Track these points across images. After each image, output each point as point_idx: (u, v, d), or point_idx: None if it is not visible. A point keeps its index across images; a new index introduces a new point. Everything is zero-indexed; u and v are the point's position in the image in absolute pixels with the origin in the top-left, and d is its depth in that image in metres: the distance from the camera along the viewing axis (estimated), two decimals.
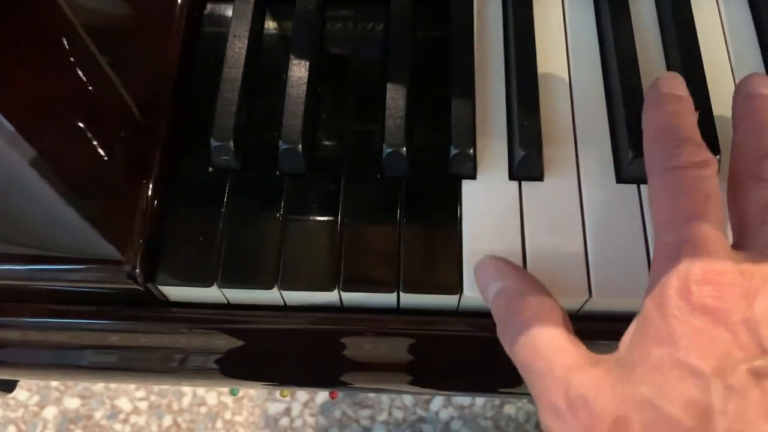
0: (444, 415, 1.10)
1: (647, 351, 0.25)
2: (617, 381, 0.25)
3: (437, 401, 1.11)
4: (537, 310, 0.28)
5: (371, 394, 1.11)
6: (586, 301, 0.32)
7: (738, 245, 0.28)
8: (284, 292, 0.33)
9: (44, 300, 0.34)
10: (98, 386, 1.12)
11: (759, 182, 0.28)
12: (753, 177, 0.28)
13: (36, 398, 1.12)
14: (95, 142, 0.35)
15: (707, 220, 0.26)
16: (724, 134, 0.34)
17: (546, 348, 0.27)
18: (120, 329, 0.35)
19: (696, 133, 0.29)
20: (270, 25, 0.39)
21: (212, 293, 0.33)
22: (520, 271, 0.31)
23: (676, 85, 0.31)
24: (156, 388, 1.12)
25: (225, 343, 0.35)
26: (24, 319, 0.34)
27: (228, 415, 1.10)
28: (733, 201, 0.29)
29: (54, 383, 1.12)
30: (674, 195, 0.27)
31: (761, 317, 0.24)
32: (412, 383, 0.35)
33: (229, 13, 0.39)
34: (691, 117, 0.30)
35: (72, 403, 1.12)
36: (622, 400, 0.25)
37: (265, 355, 0.36)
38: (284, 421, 1.09)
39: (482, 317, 0.34)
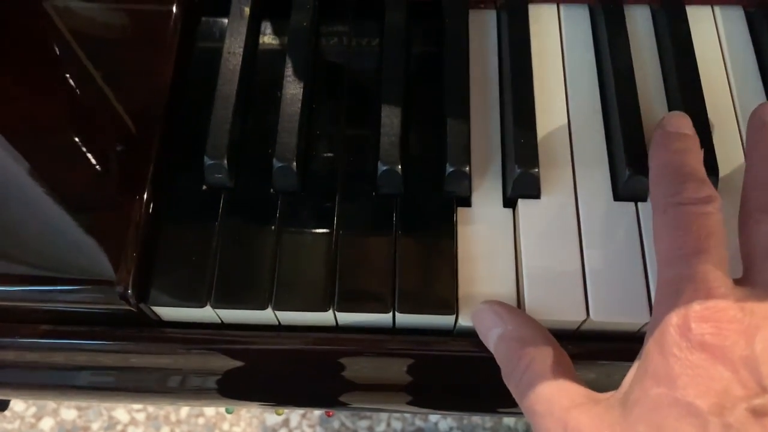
0: (443, 425, 1.09)
1: (646, 389, 0.25)
2: (616, 420, 0.25)
3: None
4: (536, 354, 0.28)
5: None
6: (584, 321, 0.32)
7: (743, 280, 0.28)
8: (278, 312, 0.33)
9: (37, 320, 0.34)
10: None
11: None
12: (763, 210, 0.28)
13: (33, 410, 1.11)
14: (87, 160, 0.34)
15: (709, 256, 0.26)
16: (722, 157, 0.34)
17: (546, 390, 0.27)
18: (112, 350, 0.34)
19: (701, 170, 0.29)
20: (265, 40, 0.39)
21: (206, 313, 0.33)
22: (518, 314, 0.31)
23: (683, 123, 0.31)
24: None
25: (221, 363, 0.34)
26: (16, 340, 0.34)
27: (226, 426, 1.09)
28: (743, 233, 0.29)
29: None
30: (676, 231, 0.27)
31: (761, 355, 0.24)
32: (411, 403, 0.35)
33: (224, 27, 0.38)
34: (696, 154, 0.30)
35: (69, 414, 1.11)
36: None
37: (262, 376, 0.35)
38: None
39: (477, 337, 0.33)
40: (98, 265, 0.32)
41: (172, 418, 1.10)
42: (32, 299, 0.33)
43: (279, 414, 0.52)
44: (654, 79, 0.38)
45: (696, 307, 0.25)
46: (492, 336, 0.31)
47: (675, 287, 0.26)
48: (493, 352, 0.31)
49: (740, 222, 0.30)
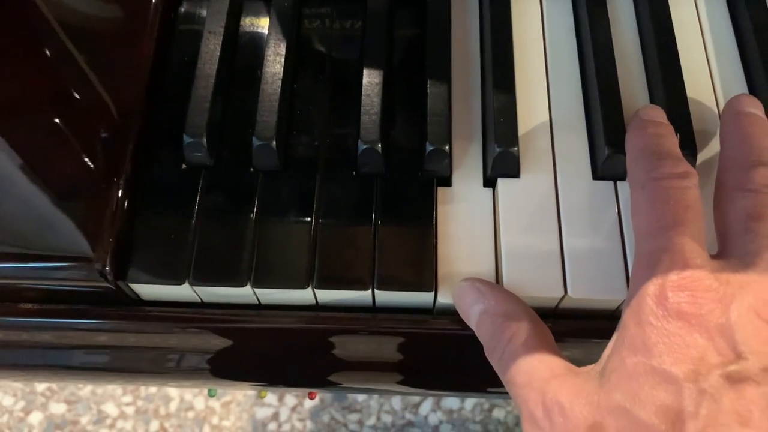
0: (433, 419, 1.09)
1: (623, 358, 0.25)
2: (594, 389, 0.26)
3: (426, 406, 1.10)
4: (518, 328, 0.29)
5: (360, 399, 1.10)
6: (562, 298, 0.32)
7: (719, 254, 0.28)
8: (257, 290, 0.33)
9: (14, 299, 0.34)
10: (84, 391, 1.11)
11: (744, 192, 0.28)
12: (738, 188, 0.29)
13: (21, 404, 1.11)
14: (66, 139, 0.34)
15: (686, 228, 0.27)
16: (700, 138, 0.34)
17: (527, 362, 0.28)
18: (92, 328, 0.34)
19: (677, 151, 0.30)
20: (246, 21, 0.39)
21: (184, 291, 0.33)
22: (499, 290, 0.31)
23: (657, 114, 0.32)
24: (143, 393, 1.11)
25: (206, 342, 0.34)
26: None
27: (215, 420, 1.09)
28: (718, 211, 0.30)
29: (40, 388, 1.11)
30: (654, 205, 0.28)
31: (736, 322, 0.24)
32: (401, 383, 0.35)
33: (205, 10, 0.38)
34: (672, 138, 0.31)
35: (58, 408, 1.11)
36: (597, 407, 0.25)
37: (248, 355, 0.35)
38: (272, 426, 1.09)
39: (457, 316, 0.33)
40: (76, 243, 0.32)
41: (162, 411, 1.10)
42: (8, 276, 0.32)
43: (262, 396, 0.52)
44: (634, 62, 0.38)
45: (673, 277, 0.25)
46: (474, 312, 0.31)
47: (652, 258, 0.26)
48: (474, 328, 0.31)
49: (715, 200, 0.30)
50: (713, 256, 0.27)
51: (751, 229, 0.27)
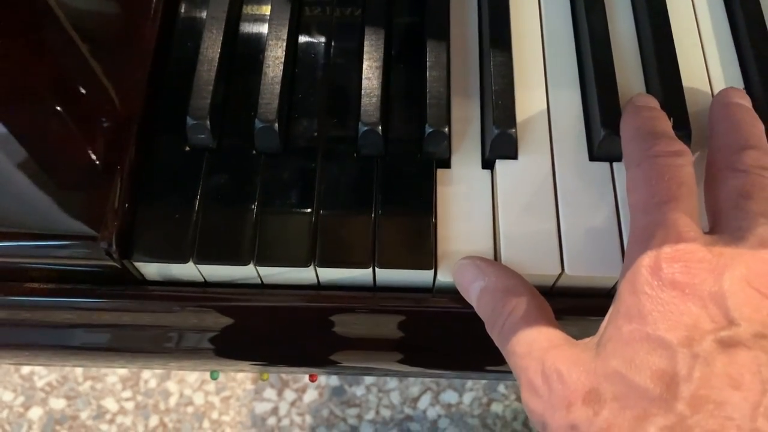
0: (431, 413, 1.10)
1: (618, 327, 0.26)
2: (591, 357, 0.26)
3: (425, 400, 1.11)
4: (519, 302, 0.30)
5: (359, 393, 1.11)
6: (559, 276, 0.33)
7: (712, 230, 0.29)
8: (260, 269, 0.33)
9: (19, 278, 0.34)
10: (84, 386, 1.12)
11: (735, 173, 0.29)
12: (729, 168, 0.30)
13: (21, 399, 1.11)
14: (71, 122, 0.35)
15: (680, 204, 0.28)
16: (695, 123, 0.35)
17: (527, 333, 0.28)
18: (99, 307, 0.35)
19: (671, 131, 0.31)
20: (248, 7, 0.40)
21: (188, 270, 0.34)
22: (499, 267, 0.32)
23: (650, 100, 0.33)
24: (142, 387, 1.11)
25: (210, 321, 0.35)
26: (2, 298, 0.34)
27: (215, 415, 1.10)
28: (709, 191, 0.31)
29: (39, 384, 1.12)
30: (649, 181, 0.29)
31: (728, 290, 0.25)
32: (402, 362, 0.36)
33: None
34: (666, 121, 0.32)
35: (57, 403, 1.11)
36: (594, 374, 0.26)
37: (251, 334, 0.36)
38: (271, 421, 1.09)
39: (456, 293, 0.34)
40: (82, 221, 0.32)
41: (161, 406, 1.10)
42: (14, 255, 0.33)
43: (264, 379, 0.52)
44: (631, 50, 0.38)
45: (667, 249, 0.26)
46: (474, 289, 0.31)
47: (647, 232, 0.27)
48: (475, 305, 0.32)
49: (706, 181, 0.31)
50: (705, 233, 0.28)
51: (741, 206, 0.28)
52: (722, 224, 0.28)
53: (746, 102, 0.33)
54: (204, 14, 0.38)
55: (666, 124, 0.32)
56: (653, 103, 0.33)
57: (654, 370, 0.25)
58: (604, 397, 0.25)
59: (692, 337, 0.24)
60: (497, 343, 0.30)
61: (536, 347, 0.28)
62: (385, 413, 1.10)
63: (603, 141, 0.34)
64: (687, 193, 0.28)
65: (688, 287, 0.25)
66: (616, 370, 0.25)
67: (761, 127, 0.32)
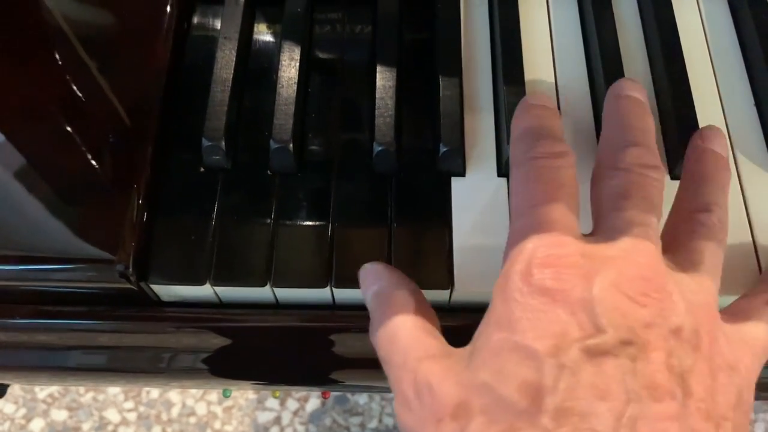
0: None
1: (489, 336, 0.26)
2: (462, 369, 0.26)
3: None
4: (400, 307, 0.29)
5: (362, 402, 1.11)
6: None
7: (591, 233, 0.28)
8: (277, 290, 0.33)
9: (35, 301, 0.34)
10: (86, 398, 1.11)
11: (616, 171, 0.29)
12: (611, 167, 0.29)
13: (23, 411, 1.11)
14: (86, 144, 0.35)
15: (557, 206, 0.27)
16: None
17: (403, 341, 0.28)
18: (112, 329, 0.35)
19: (557, 132, 0.30)
20: (260, 26, 0.40)
21: (205, 292, 0.34)
22: (395, 274, 0.31)
23: (543, 99, 0.32)
24: (144, 398, 1.11)
25: (216, 341, 0.35)
26: (14, 321, 0.34)
27: (218, 425, 1.09)
28: (593, 190, 0.30)
29: (41, 395, 1.11)
30: (528, 184, 0.28)
31: (597, 296, 0.24)
32: None
33: (219, 16, 0.39)
34: (555, 120, 0.31)
35: (59, 415, 1.10)
36: (464, 386, 0.25)
37: (259, 355, 0.36)
38: (274, 430, 1.09)
39: (475, 312, 0.34)
40: (99, 244, 0.32)
41: (164, 417, 1.10)
42: (32, 279, 0.33)
43: (275, 397, 0.52)
44: (640, 63, 0.39)
45: (538, 254, 0.25)
46: (369, 293, 0.31)
47: (521, 235, 0.26)
48: (369, 309, 0.31)
49: (592, 180, 0.30)
50: (587, 235, 0.28)
51: (619, 206, 0.27)
52: (600, 225, 0.28)
53: (639, 94, 0.32)
54: (216, 32, 0.38)
55: (554, 123, 0.31)
56: (545, 100, 0.32)
57: (521, 382, 0.24)
58: (472, 410, 0.24)
59: (560, 345, 0.24)
60: (376, 349, 0.29)
61: (411, 357, 0.27)
62: (388, 422, 1.10)
63: None
64: (565, 196, 0.27)
65: (559, 293, 0.24)
66: (485, 381, 0.24)
67: (650, 122, 0.31)
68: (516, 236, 0.27)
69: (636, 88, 0.32)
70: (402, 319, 0.28)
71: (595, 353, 0.24)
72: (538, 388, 0.23)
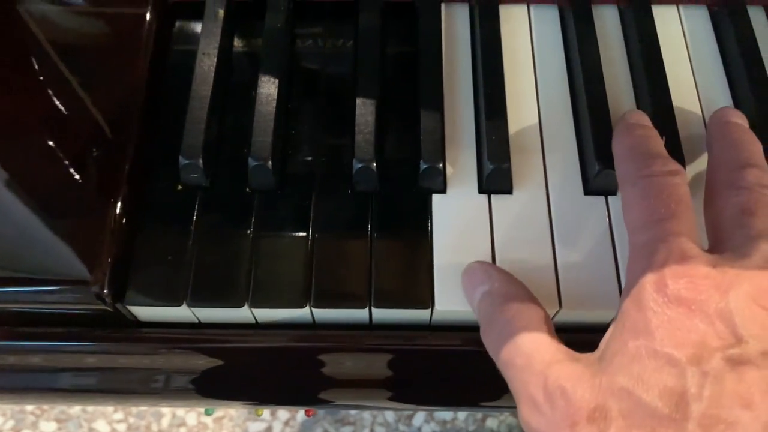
0: (426, 430, 1.09)
1: (624, 343, 0.26)
2: (596, 373, 0.26)
3: (419, 417, 1.10)
4: (520, 310, 0.29)
5: (353, 411, 1.10)
6: (557, 312, 0.33)
7: (714, 249, 0.29)
8: (255, 310, 0.33)
9: (11, 322, 0.34)
10: (75, 409, 1.10)
11: (736, 190, 0.29)
12: (731, 186, 0.30)
13: (11, 423, 1.09)
14: (62, 161, 0.34)
15: (680, 221, 0.27)
16: (687, 147, 0.35)
17: (526, 344, 0.28)
18: (90, 350, 0.34)
19: (664, 151, 0.31)
20: (239, 42, 0.39)
21: (182, 312, 0.33)
22: (507, 275, 0.31)
23: (642, 118, 0.33)
24: (134, 409, 1.10)
25: (201, 362, 0.34)
26: None
27: None
28: (709, 210, 0.30)
29: (29, 407, 1.10)
30: (647, 200, 0.29)
31: (735, 307, 0.25)
32: (393, 399, 0.35)
33: (199, 30, 0.39)
34: (658, 140, 0.32)
35: (48, 427, 1.09)
36: (600, 390, 0.25)
37: (242, 374, 0.35)
38: None
39: (455, 331, 0.34)
40: (74, 265, 0.32)
41: (154, 428, 1.09)
42: (6, 300, 0.32)
43: (259, 415, 0.52)
44: (622, 77, 0.39)
45: (671, 265, 0.26)
46: (477, 292, 0.31)
47: (649, 249, 0.27)
48: (475, 309, 0.31)
49: (706, 200, 0.31)
50: (706, 251, 0.28)
51: (744, 224, 0.28)
52: (725, 242, 0.28)
53: (743, 121, 0.33)
54: (196, 47, 0.38)
55: (659, 142, 0.32)
56: (645, 120, 0.33)
57: (663, 388, 0.24)
58: (610, 414, 0.25)
59: (701, 354, 0.24)
60: (490, 350, 0.29)
61: (537, 360, 0.27)
62: (380, 431, 1.09)
63: (598, 175, 0.34)
64: (685, 211, 0.28)
65: (694, 303, 0.25)
66: (623, 386, 0.25)
67: (760, 146, 0.32)
68: (642, 249, 0.27)
69: (739, 115, 0.34)
70: (522, 322, 0.28)
71: (737, 362, 0.24)
72: (682, 395, 0.24)
